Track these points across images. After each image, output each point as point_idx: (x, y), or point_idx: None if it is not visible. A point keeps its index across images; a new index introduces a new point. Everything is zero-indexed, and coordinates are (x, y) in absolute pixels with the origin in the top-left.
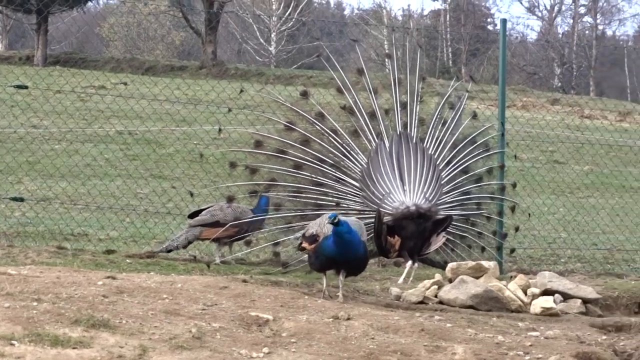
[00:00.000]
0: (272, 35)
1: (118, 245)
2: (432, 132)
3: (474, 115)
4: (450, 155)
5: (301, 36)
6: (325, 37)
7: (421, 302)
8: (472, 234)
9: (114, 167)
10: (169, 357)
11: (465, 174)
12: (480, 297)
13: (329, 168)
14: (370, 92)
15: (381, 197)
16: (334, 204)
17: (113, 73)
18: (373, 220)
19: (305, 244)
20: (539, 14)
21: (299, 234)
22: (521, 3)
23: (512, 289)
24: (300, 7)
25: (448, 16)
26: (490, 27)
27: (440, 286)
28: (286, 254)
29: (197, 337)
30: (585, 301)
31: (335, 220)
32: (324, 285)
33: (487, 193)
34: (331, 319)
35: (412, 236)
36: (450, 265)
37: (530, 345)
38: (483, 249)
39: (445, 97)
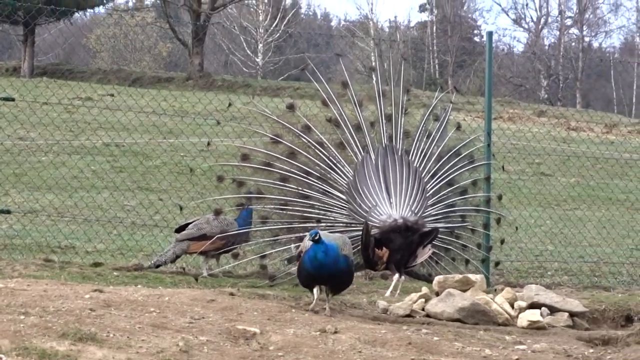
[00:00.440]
0: (259, 47)
1: (105, 258)
2: (417, 144)
3: (458, 127)
4: (436, 168)
5: (288, 47)
6: (312, 48)
7: (408, 316)
8: (456, 247)
9: (101, 179)
10: None
11: (450, 186)
12: (467, 311)
13: (315, 180)
14: (355, 105)
15: (368, 209)
16: (320, 216)
17: (100, 84)
18: (360, 233)
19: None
20: (526, 26)
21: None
22: (508, 15)
23: (499, 302)
24: (287, 18)
25: (435, 28)
26: (477, 39)
27: (427, 299)
28: (273, 267)
29: (185, 351)
30: (572, 314)
31: (316, 238)
32: (313, 298)
33: (472, 205)
34: (318, 333)
35: (399, 249)
36: (437, 279)
37: (517, 359)
38: (467, 262)
39: (430, 108)
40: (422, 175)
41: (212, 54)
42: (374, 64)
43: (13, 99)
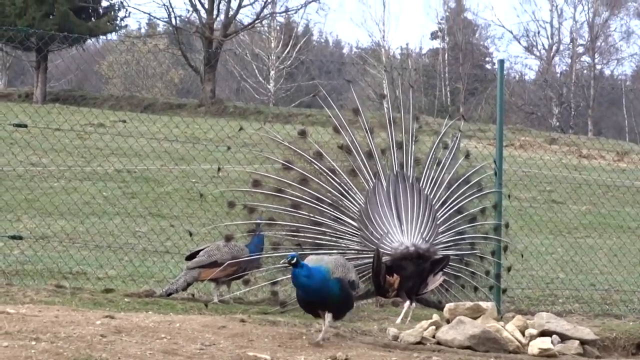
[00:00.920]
0: (271, 74)
1: (116, 284)
2: (428, 171)
3: (467, 155)
4: (446, 195)
5: (300, 74)
6: (324, 75)
7: (419, 343)
8: (465, 274)
9: (112, 205)
10: None
11: (460, 213)
12: (478, 338)
13: (327, 207)
14: (367, 132)
15: (379, 237)
16: (332, 243)
17: (112, 111)
18: (371, 260)
19: None
20: (537, 54)
21: None
22: (519, 42)
23: (509, 330)
24: (299, 45)
25: (446, 55)
26: (488, 67)
27: (438, 327)
28: (284, 293)
29: None
30: (583, 342)
31: (293, 262)
32: (323, 325)
33: (481, 233)
34: (329, 359)
35: (410, 276)
36: (448, 306)
37: None
38: (476, 289)
39: (440, 136)
40: (433, 202)
41: (224, 80)
42: (385, 91)
43: (26, 126)
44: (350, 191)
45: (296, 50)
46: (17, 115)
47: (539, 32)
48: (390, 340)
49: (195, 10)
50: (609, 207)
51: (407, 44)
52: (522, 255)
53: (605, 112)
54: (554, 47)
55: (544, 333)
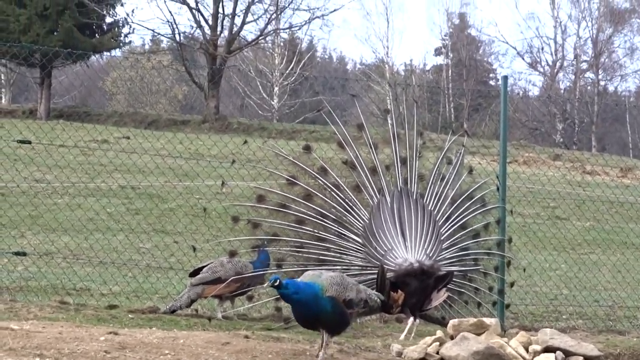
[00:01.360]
0: (275, 90)
1: (120, 300)
2: (432, 187)
3: (471, 171)
4: (450, 211)
5: (304, 91)
6: (328, 91)
7: (422, 359)
8: (469, 290)
9: (116, 222)
10: None
11: (464, 229)
12: (482, 354)
13: (331, 223)
14: (371, 147)
15: (383, 253)
16: (336, 259)
17: (116, 127)
18: (376, 276)
19: None
20: (541, 70)
21: None
22: (523, 59)
23: (513, 346)
24: (303, 61)
25: (450, 71)
26: (492, 83)
27: (441, 343)
28: (288, 310)
29: None
30: (586, 358)
31: (276, 284)
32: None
33: (484, 248)
34: None
35: (414, 292)
36: (451, 322)
37: None
38: (479, 305)
39: (443, 152)
40: (437, 218)
41: (228, 97)
42: (389, 106)
43: (30, 142)
44: (354, 207)
45: (300, 66)
46: (21, 132)
47: (542, 49)
48: (394, 356)
49: (199, 26)
50: (613, 223)
51: (410, 60)
52: (525, 270)
53: (609, 129)
54: (558, 64)
55: (547, 349)
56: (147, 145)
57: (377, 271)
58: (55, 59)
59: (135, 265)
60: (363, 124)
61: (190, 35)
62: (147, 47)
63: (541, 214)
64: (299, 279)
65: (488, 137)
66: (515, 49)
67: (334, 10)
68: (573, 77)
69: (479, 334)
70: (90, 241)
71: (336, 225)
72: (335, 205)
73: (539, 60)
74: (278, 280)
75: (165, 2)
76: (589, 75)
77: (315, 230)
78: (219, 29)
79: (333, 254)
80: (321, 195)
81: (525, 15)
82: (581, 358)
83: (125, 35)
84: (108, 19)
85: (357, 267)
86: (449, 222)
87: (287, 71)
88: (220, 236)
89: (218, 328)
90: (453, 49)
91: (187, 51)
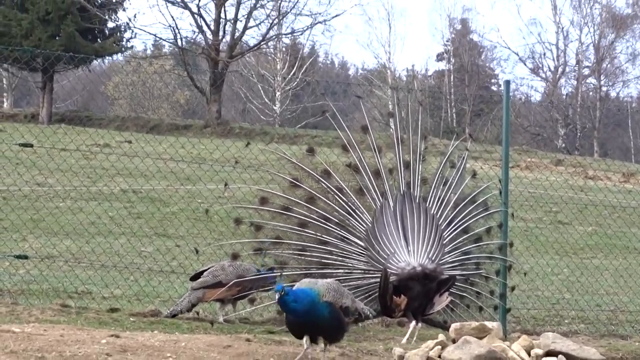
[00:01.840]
0: (277, 95)
1: (122, 304)
2: (435, 191)
3: (474, 174)
4: (452, 215)
5: (305, 96)
6: (330, 96)
7: None
8: (470, 294)
9: (118, 225)
10: None
11: (466, 233)
12: (484, 358)
13: (334, 226)
14: (375, 151)
15: (386, 257)
16: (338, 262)
17: (118, 131)
18: (378, 280)
19: None
20: (543, 75)
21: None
22: (525, 64)
23: (515, 350)
24: (305, 67)
25: (452, 77)
26: (494, 88)
27: (443, 346)
28: None
29: None
30: None
31: (283, 293)
32: (303, 349)
33: (486, 253)
34: None
35: (417, 296)
36: (453, 326)
37: None
38: (481, 309)
39: (447, 156)
40: (439, 222)
41: (230, 101)
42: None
43: (31, 145)
44: (357, 210)
45: (302, 71)
46: (23, 135)
47: (544, 54)
48: None
49: (201, 31)
50: (615, 228)
51: (412, 66)
52: (525, 274)
53: (611, 134)
54: (560, 69)
55: (550, 353)
56: (149, 149)
57: (379, 275)
58: (57, 63)
59: (137, 268)
60: (367, 126)
61: (192, 40)
62: (149, 51)
63: (543, 219)
64: (294, 286)
65: (490, 142)
66: (517, 54)
67: (336, 16)
68: (575, 82)
69: (481, 338)
70: (91, 245)
71: (339, 229)
72: (338, 209)
73: (541, 65)
74: (283, 290)
75: (167, 7)
76: (591, 80)
77: (318, 234)
78: (220, 33)
79: (335, 257)
80: (324, 199)
81: (527, 21)
82: None
83: (127, 40)
84: (110, 24)
85: (359, 271)
86: (452, 226)
87: (289, 76)
88: (222, 239)
89: (220, 331)
90: (455, 55)
91: (189, 56)
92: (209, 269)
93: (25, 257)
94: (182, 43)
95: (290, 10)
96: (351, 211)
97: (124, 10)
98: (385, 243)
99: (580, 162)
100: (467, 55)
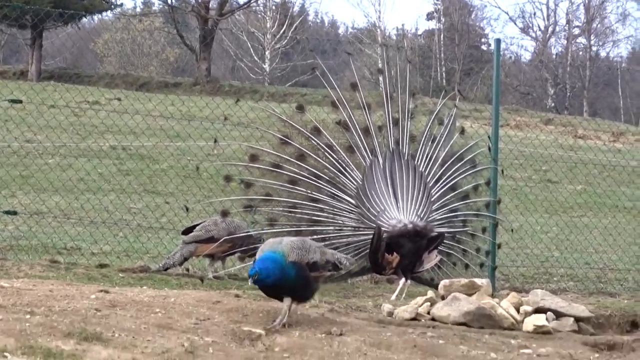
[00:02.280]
0: (266, 53)
1: (111, 260)
2: (423, 148)
3: (462, 131)
4: (440, 172)
5: (295, 54)
6: (320, 55)
7: (414, 319)
8: (457, 251)
9: (107, 182)
10: None
11: (453, 190)
12: (473, 315)
13: (325, 184)
14: (364, 107)
15: (376, 214)
16: (329, 219)
17: (107, 89)
18: (368, 237)
19: None
20: (533, 35)
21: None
22: (515, 24)
23: (504, 307)
24: (295, 25)
25: (442, 36)
26: (484, 47)
27: (432, 303)
28: None
29: (190, 352)
30: (577, 319)
31: (256, 277)
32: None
33: (473, 210)
34: (324, 335)
35: (408, 254)
36: (443, 283)
37: None
38: (467, 266)
39: (435, 113)
40: (427, 180)
41: (219, 59)
42: (381, 65)
43: (21, 101)
44: (347, 168)
45: (292, 29)
46: (12, 92)
47: (535, 14)
48: (385, 316)
49: None
50: (604, 186)
51: (402, 25)
52: (513, 231)
53: (600, 94)
54: (550, 29)
55: (538, 310)
56: (139, 106)
57: (370, 232)
58: (46, 19)
59: (126, 225)
60: (357, 82)
61: None
62: (138, 9)
63: (533, 177)
64: (260, 251)
65: (480, 101)
66: (507, 13)
67: None
68: (565, 42)
69: (470, 295)
70: (81, 201)
71: (329, 186)
72: (329, 166)
73: (531, 25)
74: (256, 272)
75: None
76: (581, 40)
77: (309, 191)
78: None
79: (326, 214)
80: (314, 156)
81: None
82: (572, 319)
83: None
84: None
85: (350, 228)
86: (439, 183)
87: (279, 34)
88: (212, 197)
89: (209, 287)
90: (445, 14)
91: (178, 13)
92: (200, 223)
93: (15, 213)
94: (171, 1)
95: None
96: (341, 169)
97: None
98: (376, 200)
99: (570, 121)
100: (457, 15)
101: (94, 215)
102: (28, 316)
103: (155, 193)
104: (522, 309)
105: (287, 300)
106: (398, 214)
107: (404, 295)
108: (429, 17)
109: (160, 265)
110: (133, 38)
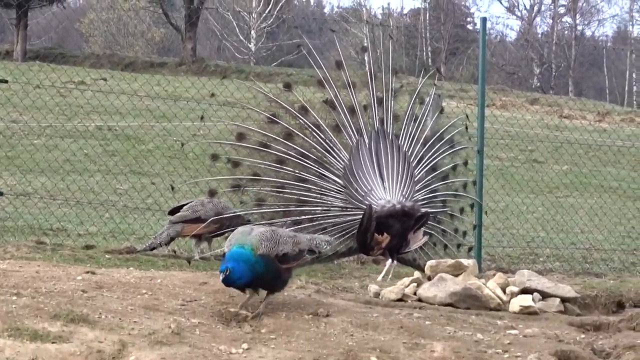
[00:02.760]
0: (252, 33)
1: (97, 241)
2: (406, 128)
3: (441, 111)
4: (422, 152)
5: (281, 33)
6: (305, 34)
7: (400, 300)
8: (437, 232)
9: (93, 163)
10: (148, 353)
11: (434, 171)
12: (459, 295)
13: (312, 164)
14: (349, 85)
15: (364, 194)
16: (317, 200)
17: (93, 69)
18: (355, 217)
19: None
20: (519, 14)
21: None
22: (501, 3)
23: (491, 287)
24: (280, 4)
25: (428, 15)
26: (470, 27)
27: (419, 284)
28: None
29: (177, 333)
30: (563, 300)
31: (227, 273)
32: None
33: (452, 190)
34: (310, 316)
35: (395, 234)
36: (429, 263)
37: (509, 344)
38: (445, 247)
39: (416, 92)
40: (411, 159)
41: (205, 39)
42: (366, 43)
43: (6, 81)
44: (334, 147)
45: (277, 9)
46: None
47: None
48: (372, 297)
49: None
50: (590, 166)
51: (388, 4)
52: (486, 213)
53: (585, 73)
54: (536, 8)
55: (525, 291)
56: (125, 86)
57: (358, 212)
58: None
59: (112, 206)
60: (342, 61)
61: None
62: None
63: (518, 157)
64: (229, 241)
65: (466, 81)
66: None
67: None
68: (551, 21)
69: (456, 275)
70: (67, 182)
71: (317, 166)
72: (316, 146)
73: (516, 4)
74: (227, 269)
75: None
76: (567, 19)
77: (296, 171)
78: None
79: (314, 194)
80: (302, 135)
81: None
82: (558, 299)
83: None
84: None
85: (337, 208)
86: (422, 163)
87: (265, 14)
88: (199, 177)
89: (195, 269)
90: None
91: None
92: (187, 204)
93: (0, 194)
94: None
95: None
96: (329, 148)
97: None
98: (363, 180)
99: (555, 100)
100: None
101: (80, 196)
102: (14, 298)
103: (141, 174)
104: (508, 289)
105: (262, 293)
106: (385, 194)
107: (390, 276)
108: None
109: (147, 245)
110: (119, 17)
